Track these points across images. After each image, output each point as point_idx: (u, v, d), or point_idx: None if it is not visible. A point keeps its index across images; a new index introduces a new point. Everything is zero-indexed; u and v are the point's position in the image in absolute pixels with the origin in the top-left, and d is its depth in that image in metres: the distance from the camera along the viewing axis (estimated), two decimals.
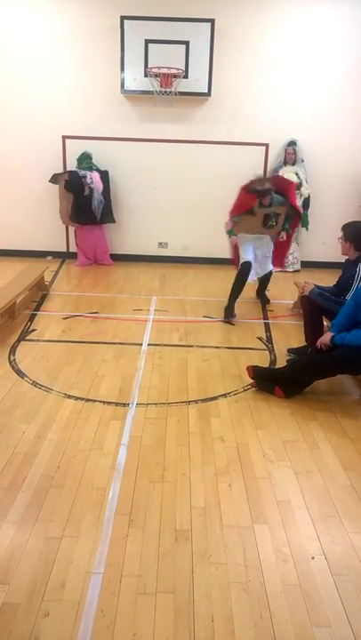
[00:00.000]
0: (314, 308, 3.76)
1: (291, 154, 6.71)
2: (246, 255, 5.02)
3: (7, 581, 1.88)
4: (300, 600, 1.83)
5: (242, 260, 5.01)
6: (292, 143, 6.72)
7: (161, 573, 1.93)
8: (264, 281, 5.40)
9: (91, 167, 6.63)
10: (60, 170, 6.82)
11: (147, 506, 2.30)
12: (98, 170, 6.68)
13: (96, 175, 6.57)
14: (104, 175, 6.69)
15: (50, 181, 6.67)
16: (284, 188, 5.10)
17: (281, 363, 3.91)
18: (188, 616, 1.76)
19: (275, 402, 3.32)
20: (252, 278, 5.11)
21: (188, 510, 2.28)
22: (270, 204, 4.91)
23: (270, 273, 5.29)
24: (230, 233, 5.05)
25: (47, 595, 1.83)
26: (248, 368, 3.51)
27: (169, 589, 1.86)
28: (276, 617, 1.76)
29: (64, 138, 6.76)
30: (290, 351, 4.04)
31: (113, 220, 6.89)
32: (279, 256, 5.37)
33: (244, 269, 4.96)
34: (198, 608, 1.79)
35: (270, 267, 5.22)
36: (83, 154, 6.62)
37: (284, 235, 5.14)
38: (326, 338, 3.32)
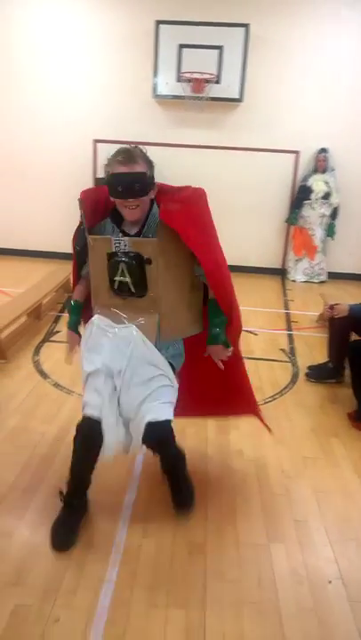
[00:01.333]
0: (346, 325, 3.53)
1: (322, 161, 6.64)
2: (89, 391, 2.04)
3: (20, 583, 1.89)
4: (314, 625, 1.79)
5: (83, 405, 2.05)
6: (324, 150, 6.64)
7: (173, 587, 1.92)
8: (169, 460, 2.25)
9: None
10: (91, 173, 6.88)
11: (161, 516, 2.28)
12: None
13: None
14: None
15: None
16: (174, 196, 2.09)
17: (303, 376, 3.85)
18: (199, 633, 1.74)
19: (295, 416, 3.27)
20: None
21: (204, 524, 2.26)
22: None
23: (164, 430, 2.04)
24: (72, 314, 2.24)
25: (59, 600, 1.83)
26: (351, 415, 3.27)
27: (181, 604, 1.85)
28: None
29: (95, 142, 6.82)
30: (310, 368, 3.87)
31: None
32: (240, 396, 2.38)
33: (87, 429, 2.00)
34: (210, 625, 1.77)
35: (163, 414, 2.00)
36: None
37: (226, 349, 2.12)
38: (344, 309, 3.34)
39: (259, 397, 3.47)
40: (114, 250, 2.00)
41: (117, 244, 1.99)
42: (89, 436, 2.02)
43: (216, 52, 6.32)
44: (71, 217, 7.43)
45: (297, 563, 2.07)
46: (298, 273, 6.94)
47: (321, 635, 1.76)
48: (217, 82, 6.37)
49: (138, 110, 6.72)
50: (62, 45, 6.61)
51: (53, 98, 6.77)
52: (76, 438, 2.09)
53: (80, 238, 2.15)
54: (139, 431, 2.00)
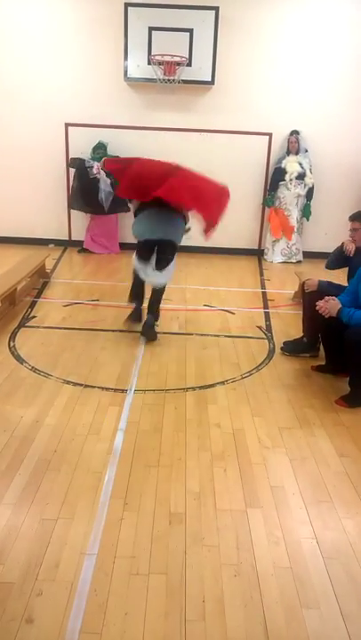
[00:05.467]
0: (317, 300, 3.54)
1: (293, 143, 6.69)
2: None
3: (2, 561, 1.90)
4: (290, 582, 1.85)
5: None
6: (295, 132, 6.69)
7: (154, 555, 1.95)
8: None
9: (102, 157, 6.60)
10: (63, 157, 6.81)
11: (142, 490, 2.31)
12: None
13: None
14: None
15: (69, 166, 6.70)
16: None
17: (279, 351, 3.91)
18: (180, 596, 1.78)
19: (272, 389, 3.32)
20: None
21: (183, 494, 2.29)
22: None
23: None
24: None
25: (41, 575, 1.85)
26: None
27: (161, 570, 1.88)
28: (266, 598, 1.78)
29: (67, 125, 6.73)
30: (285, 343, 3.93)
31: (127, 210, 6.85)
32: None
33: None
34: (190, 589, 1.81)
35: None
36: (98, 143, 6.58)
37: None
38: (335, 308, 3.15)
39: (236, 373, 3.54)
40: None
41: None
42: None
43: (186, 34, 6.28)
44: (43, 202, 7.38)
45: (273, 525, 2.12)
46: (276, 254, 6.97)
47: (297, 589, 1.82)
48: (188, 64, 6.34)
49: (109, 93, 6.65)
50: (31, 29, 6.47)
51: (23, 82, 6.64)
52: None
53: None
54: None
